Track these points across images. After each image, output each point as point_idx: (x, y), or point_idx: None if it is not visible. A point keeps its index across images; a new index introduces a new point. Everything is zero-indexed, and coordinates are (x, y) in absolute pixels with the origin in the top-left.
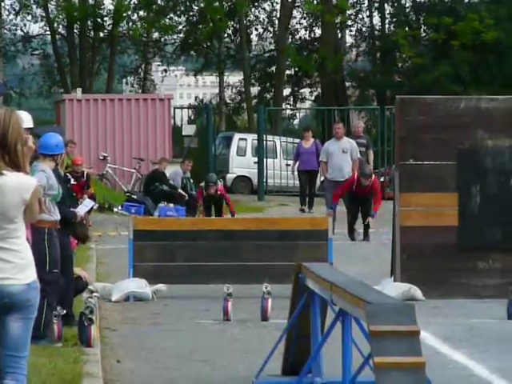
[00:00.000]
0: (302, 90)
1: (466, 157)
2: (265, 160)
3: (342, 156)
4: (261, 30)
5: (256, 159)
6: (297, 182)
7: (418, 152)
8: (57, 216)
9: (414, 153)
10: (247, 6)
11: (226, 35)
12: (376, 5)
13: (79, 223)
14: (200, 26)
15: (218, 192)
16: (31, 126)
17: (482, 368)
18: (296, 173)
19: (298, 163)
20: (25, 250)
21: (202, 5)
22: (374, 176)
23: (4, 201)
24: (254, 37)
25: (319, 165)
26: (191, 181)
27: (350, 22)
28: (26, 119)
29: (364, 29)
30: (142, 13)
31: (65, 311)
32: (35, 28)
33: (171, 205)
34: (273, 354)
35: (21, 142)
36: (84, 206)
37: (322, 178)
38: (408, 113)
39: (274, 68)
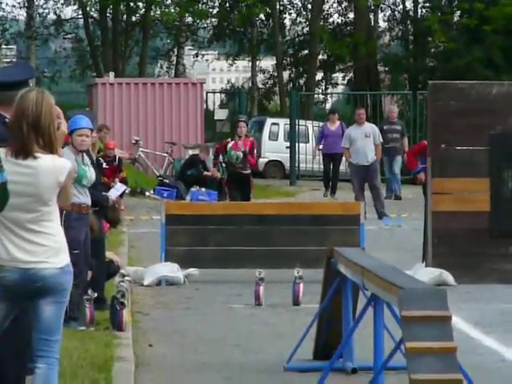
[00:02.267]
0: (335, 75)
1: (499, 142)
2: (297, 145)
3: (366, 141)
4: (294, 15)
5: (288, 144)
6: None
7: (450, 137)
8: (78, 199)
9: (446, 138)
10: None
11: (258, 20)
12: None
13: (111, 207)
14: (233, 11)
15: (250, 140)
16: None
17: None
18: (320, 156)
19: (321, 146)
20: (58, 234)
21: None
22: None
23: (39, 183)
24: (287, 21)
25: None
26: (223, 165)
27: (382, 7)
28: None
29: (397, 13)
30: None
31: (96, 294)
32: (68, 11)
33: (203, 189)
34: (304, 339)
35: (53, 125)
36: (115, 190)
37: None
38: (440, 98)
39: (306, 52)
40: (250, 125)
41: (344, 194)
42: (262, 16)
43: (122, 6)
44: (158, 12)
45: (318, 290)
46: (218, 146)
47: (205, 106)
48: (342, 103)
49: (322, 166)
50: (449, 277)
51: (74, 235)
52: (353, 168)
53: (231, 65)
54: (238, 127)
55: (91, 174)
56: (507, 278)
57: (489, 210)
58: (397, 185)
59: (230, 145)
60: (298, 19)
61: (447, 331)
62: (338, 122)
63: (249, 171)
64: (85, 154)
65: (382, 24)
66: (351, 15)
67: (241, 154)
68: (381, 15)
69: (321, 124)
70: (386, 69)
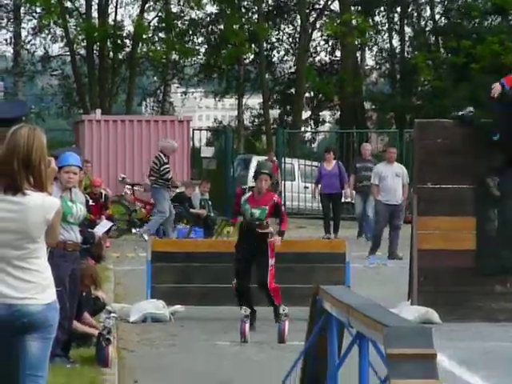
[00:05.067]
0: (322, 113)
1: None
2: (283, 182)
3: (396, 180)
4: (282, 53)
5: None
6: (315, 205)
7: (436, 175)
8: (63, 236)
9: (432, 176)
10: (268, 30)
11: (246, 58)
12: (396, 27)
13: (95, 243)
14: (221, 49)
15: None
16: None
17: None
18: (318, 197)
19: (320, 186)
20: (46, 270)
21: (222, 27)
22: None
23: (27, 220)
24: (275, 59)
25: (343, 187)
26: (209, 202)
27: (369, 45)
28: None
29: (384, 51)
30: (161, 34)
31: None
32: (55, 48)
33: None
34: (290, 377)
35: (44, 162)
36: (101, 227)
37: (347, 200)
38: (427, 136)
39: (293, 91)
40: (236, 162)
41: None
42: (248, 54)
43: (108, 43)
44: (145, 49)
45: (303, 327)
46: (237, 193)
47: (191, 143)
48: (329, 141)
49: (307, 204)
50: (434, 315)
51: (56, 273)
52: (381, 206)
53: (220, 100)
54: (259, 180)
55: (78, 210)
56: (492, 317)
57: (474, 248)
58: (368, 227)
59: (245, 196)
60: (286, 57)
61: (432, 369)
62: (334, 161)
63: (269, 230)
64: (76, 191)
65: (369, 62)
66: (338, 53)
67: (257, 213)
68: (368, 53)
69: (307, 162)
70: (373, 107)
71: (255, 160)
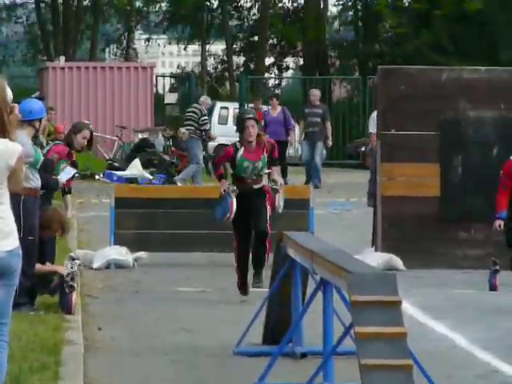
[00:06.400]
0: (286, 60)
1: (448, 127)
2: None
3: None
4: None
5: None
6: None
7: (399, 122)
8: (34, 183)
9: (396, 123)
10: None
11: (210, 4)
12: None
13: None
14: None
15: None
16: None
17: (463, 339)
18: None
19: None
20: (8, 217)
21: None
22: None
23: None
24: (240, 3)
25: (288, 134)
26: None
27: None
28: None
29: None
30: None
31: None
32: None
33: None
34: (254, 323)
35: (6, 109)
36: (65, 174)
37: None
38: (390, 83)
39: (256, 37)
40: None
41: (295, 178)
42: (213, 1)
43: None
44: None
45: (267, 274)
46: (221, 156)
47: (155, 90)
48: (293, 88)
49: None
50: (398, 261)
51: (31, 221)
52: None
53: (184, 49)
54: (247, 127)
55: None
56: (456, 264)
57: (439, 195)
58: (316, 174)
59: (240, 153)
60: (250, 4)
61: (397, 316)
62: (279, 108)
63: (263, 184)
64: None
65: (333, 9)
66: (302, 0)
67: (260, 165)
68: (330, 0)
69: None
70: (336, 54)
71: (218, 106)
